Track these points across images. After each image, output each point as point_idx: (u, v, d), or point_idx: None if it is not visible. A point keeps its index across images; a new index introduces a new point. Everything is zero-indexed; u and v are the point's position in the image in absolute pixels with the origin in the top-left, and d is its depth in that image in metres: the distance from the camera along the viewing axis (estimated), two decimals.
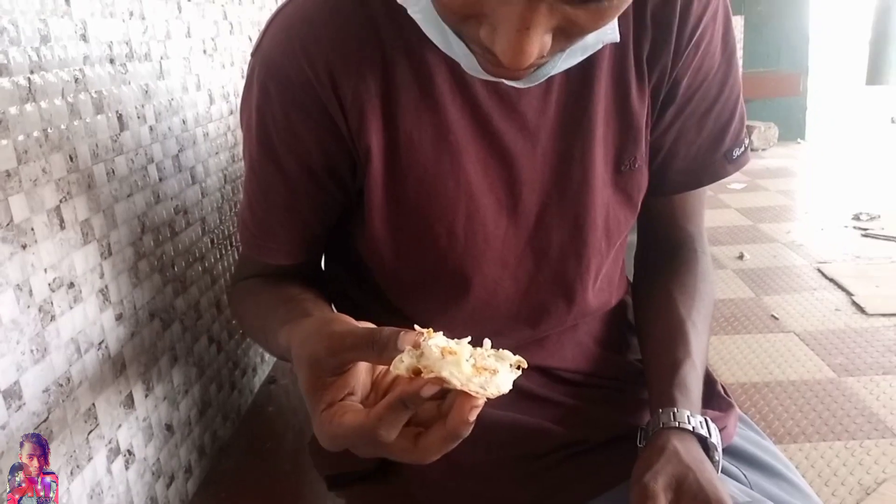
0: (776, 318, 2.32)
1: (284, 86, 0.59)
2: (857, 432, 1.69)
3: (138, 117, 0.75)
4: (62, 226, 0.61)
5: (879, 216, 3.26)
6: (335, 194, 0.66)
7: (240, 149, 1.05)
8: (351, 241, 0.70)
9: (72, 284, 0.62)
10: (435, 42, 0.54)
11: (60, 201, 0.61)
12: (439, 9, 0.49)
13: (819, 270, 2.69)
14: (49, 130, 0.60)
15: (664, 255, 0.78)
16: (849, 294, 2.45)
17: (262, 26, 0.64)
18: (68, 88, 0.63)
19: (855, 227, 3.17)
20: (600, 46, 0.54)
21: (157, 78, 0.80)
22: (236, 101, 1.04)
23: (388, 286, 0.71)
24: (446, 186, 0.63)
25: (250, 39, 1.10)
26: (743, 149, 0.74)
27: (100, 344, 0.66)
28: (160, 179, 0.80)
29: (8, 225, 0.54)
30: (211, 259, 0.92)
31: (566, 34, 0.47)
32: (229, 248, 1.00)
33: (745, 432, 0.76)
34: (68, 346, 0.61)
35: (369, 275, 0.70)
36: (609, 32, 0.53)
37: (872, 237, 3.04)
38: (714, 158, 0.72)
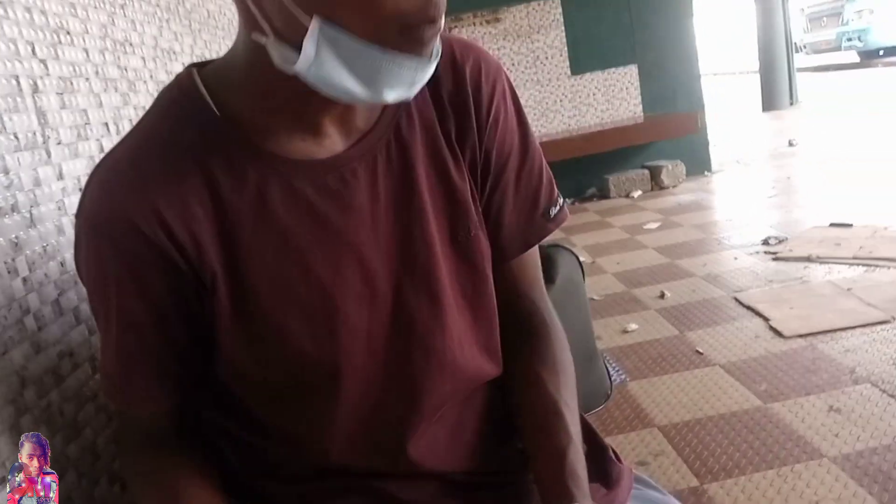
0: (701, 353, 2.38)
1: (114, 241, 0.61)
2: (788, 458, 1.74)
3: (9, 272, 0.75)
4: None
5: (787, 238, 3.42)
6: (186, 328, 0.67)
7: None
8: (215, 379, 0.71)
9: None
10: (335, 89, 0.58)
11: None
12: (378, 21, 0.54)
13: (736, 299, 2.79)
14: None
15: (520, 331, 0.81)
16: (765, 319, 2.55)
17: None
18: None
19: (765, 252, 3.31)
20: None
21: (27, 227, 0.80)
22: None
23: (257, 402, 0.71)
24: (299, 293, 0.65)
25: None
26: (558, 207, 0.81)
27: None
28: (39, 328, 0.79)
29: None
30: (103, 397, 0.91)
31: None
32: None
33: (644, 492, 0.79)
34: None
35: (243, 405, 0.71)
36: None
37: (782, 259, 3.18)
38: (534, 219, 0.79)
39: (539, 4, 5.17)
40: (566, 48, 5.26)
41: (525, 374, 0.77)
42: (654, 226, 4.12)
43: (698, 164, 5.36)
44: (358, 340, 0.68)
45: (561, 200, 0.81)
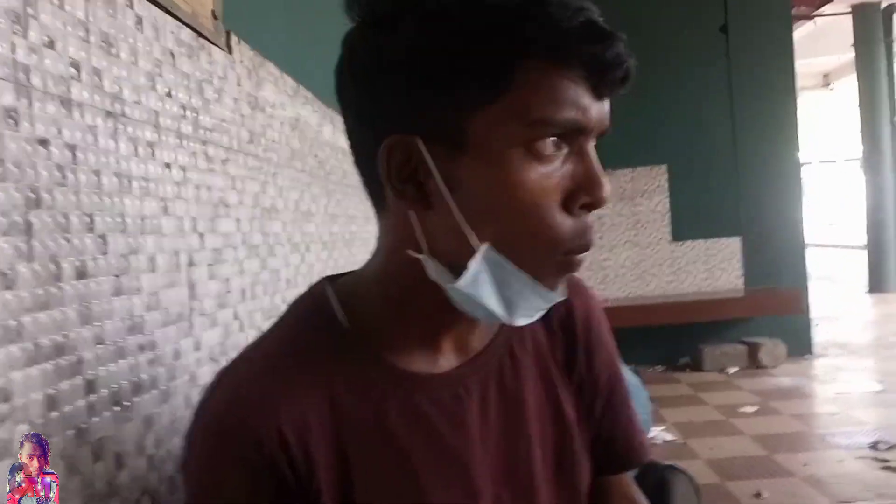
0: None
1: (233, 449, 0.61)
2: None
3: (137, 452, 0.77)
4: None
5: None
6: None
7: None
8: None
9: None
10: (476, 308, 0.61)
11: None
12: (538, 226, 0.59)
13: None
14: None
15: None
16: None
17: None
18: (69, 447, 0.65)
19: (873, 458, 3.06)
20: None
21: (160, 403, 0.82)
22: None
23: None
24: None
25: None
26: (648, 436, 0.85)
27: None
28: None
29: None
30: None
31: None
32: None
33: None
34: None
35: None
36: None
37: (893, 470, 2.92)
38: (642, 435, 0.81)
39: (646, 169, 5.25)
40: (669, 214, 5.27)
41: None
42: (750, 409, 3.90)
43: (800, 344, 5.12)
44: None
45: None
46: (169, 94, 0.90)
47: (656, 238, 5.29)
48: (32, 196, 0.64)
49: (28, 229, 0.63)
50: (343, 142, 1.89)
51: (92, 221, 0.72)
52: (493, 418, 0.69)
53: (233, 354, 1.04)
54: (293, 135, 1.41)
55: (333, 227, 1.68)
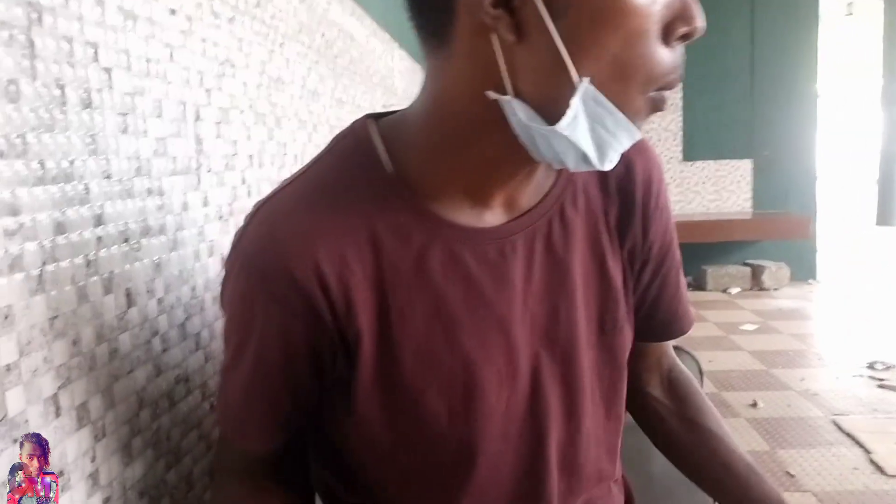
0: (792, 476, 2.23)
1: (267, 284, 0.60)
2: None
3: (147, 291, 0.77)
4: (57, 413, 0.61)
5: (895, 366, 3.21)
6: (312, 381, 0.66)
7: None
8: (335, 442, 0.69)
9: (62, 472, 0.61)
10: (564, 153, 0.56)
11: (59, 388, 0.61)
12: (638, 62, 0.54)
13: (835, 423, 2.62)
14: (55, 319, 0.61)
15: (674, 396, 0.85)
16: (867, 451, 2.37)
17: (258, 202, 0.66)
18: (79, 274, 0.65)
19: (870, 377, 3.11)
20: None
21: (169, 250, 0.82)
22: None
23: (384, 476, 0.69)
24: (442, 361, 0.63)
25: None
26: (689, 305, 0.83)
27: None
28: (163, 351, 0.80)
29: (2, 420, 0.54)
30: (207, 424, 0.91)
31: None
32: None
33: None
34: None
35: (361, 474, 0.69)
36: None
37: (889, 388, 2.97)
38: (682, 311, 0.81)
39: None
40: (681, 133, 5.20)
41: (701, 433, 0.82)
42: (751, 328, 3.95)
43: (804, 269, 5.14)
44: (493, 423, 0.66)
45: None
46: None
47: (667, 157, 5.23)
48: (35, 15, 0.61)
49: (31, 46, 0.60)
50: (350, 25, 1.83)
51: (96, 53, 0.70)
52: (537, 278, 0.67)
53: (241, 218, 1.03)
54: (301, 7, 1.37)
55: (341, 112, 1.65)
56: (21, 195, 0.58)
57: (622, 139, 0.56)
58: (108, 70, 0.71)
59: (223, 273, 0.66)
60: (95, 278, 0.67)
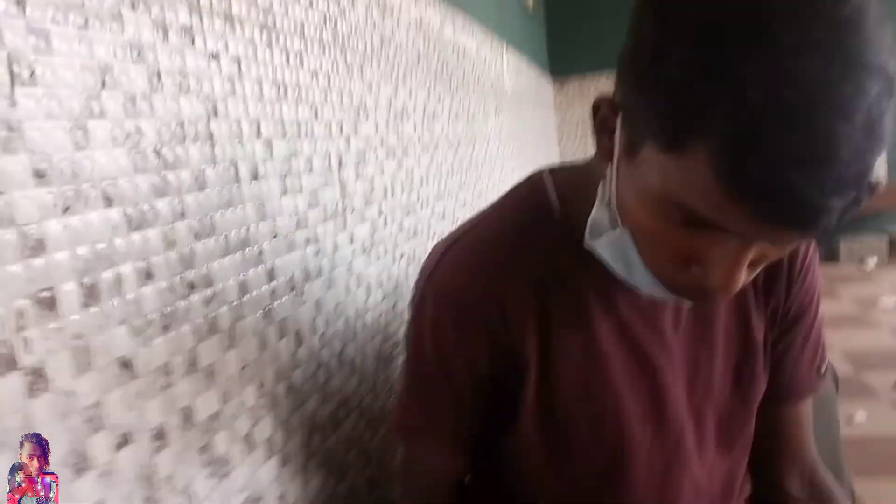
0: None
1: (459, 309, 0.69)
2: None
3: (311, 329, 0.87)
4: (252, 448, 0.72)
5: None
6: (492, 396, 0.75)
7: (391, 328, 1.15)
8: (495, 455, 0.77)
9: (259, 498, 0.72)
10: (618, 272, 0.62)
11: (252, 426, 0.72)
12: (649, 257, 0.57)
13: None
14: (245, 368, 0.71)
15: (808, 491, 0.83)
16: None
17: (433, 253, 0.74)
18: (259, 325, 0.75)
19: None
20: None
21: (326, 289, 0.92)
22: (389, 286, 1.15)
23: (536, 490, 0.77)
24: (594, 393, 0.71)
25: (401, 228, 1.23)
26: (825, 366, 0.82)
27: None
28: (326, 380, 0.90)
29: (212, 462, 0.65)
30: (365, 440, 1.01)
31: (756, 265, 0.55)
32: (380, 425, 1.09)
33: None
34: None
35: (514, 484, 0.77)
36: None
37: None
38: (811, 373, 0.80)
39: None
40: None
41: None
42: (892, 303, 3.72)
43: None
44: (637, 458, 0.72)
45: (827, 360, 0.83)
46: (311, 4, 0.95)
47: None
48: (210, 105, 0.71)
49: (210, 137, 0.71)
50: (463, 41, 1.90)
51: (259, 129, 0.80)
52: (683, 327, 0.72)
53: (381, 248, 1.13)
54: (418, 36, 1.44)
55: (457, 127, 1.72)
56: (213, 267, 0.69)
57: (641, 285, 0.61)
58: (268, 142, 0.81)
59: (412, 308, 0.75)
60: (272, 326, 0.78)
